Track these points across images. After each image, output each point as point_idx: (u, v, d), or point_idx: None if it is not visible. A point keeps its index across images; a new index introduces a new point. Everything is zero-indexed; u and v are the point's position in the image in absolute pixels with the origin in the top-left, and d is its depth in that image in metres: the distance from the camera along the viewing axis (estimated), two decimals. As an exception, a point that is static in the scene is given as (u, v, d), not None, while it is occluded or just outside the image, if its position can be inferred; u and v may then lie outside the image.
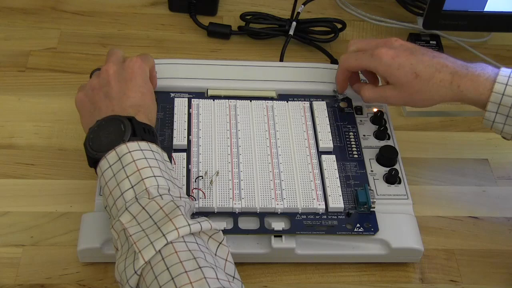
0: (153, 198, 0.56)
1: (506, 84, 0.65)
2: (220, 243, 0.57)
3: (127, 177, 0.57)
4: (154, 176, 0.57)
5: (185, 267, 0.51)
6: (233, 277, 0.56)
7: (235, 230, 0.65)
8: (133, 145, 0.59)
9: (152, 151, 0.60)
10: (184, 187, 0.67)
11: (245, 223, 0.66)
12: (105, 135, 0.60)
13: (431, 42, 0.95)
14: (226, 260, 0.56)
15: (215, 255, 0.56)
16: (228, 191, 0.67)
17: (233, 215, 0.66)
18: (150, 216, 0.55)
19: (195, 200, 0.66)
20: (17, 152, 0.76)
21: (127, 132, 0.60)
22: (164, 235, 0.53)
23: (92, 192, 0.68)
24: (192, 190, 0.67)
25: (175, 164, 0.69)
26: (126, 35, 0.93)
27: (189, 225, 0.54)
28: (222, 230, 0.58)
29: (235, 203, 0.66)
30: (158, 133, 0.71)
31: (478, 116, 0.85)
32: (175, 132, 0.72)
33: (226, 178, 0.68)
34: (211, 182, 0.67)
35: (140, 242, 0.53)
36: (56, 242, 0.68)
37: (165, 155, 0.62)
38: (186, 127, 0.72)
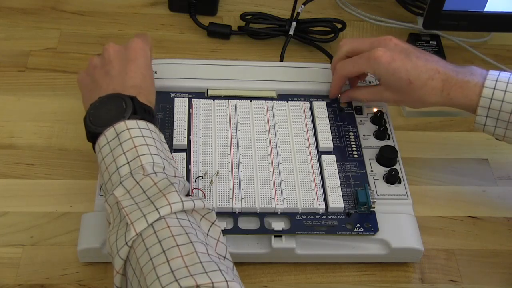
0: (148, 175, 0.56)
1: (494, 88, 0.67)
2: (213, 223, 0.57)
3: (124, 153, 0.57)
4: (150, 154, 0.58)
5: (176, 241, 0.51)
6: (224, 258, 0.56)
7: (235, 230, 0.65)
8: (131, 123, 0.59)
9: (150, 130, 0.60)
10: (184, 187, 0.67)
11: (245, 223, 0.66)
12: (106, 111, 0.61)
13: (431, 42, 0.95)
14: (218, 240, 0.57)
15: (207, 235, 0.56)
16: (228, 191, 0.67)
17: (233, 215, 0.66)
18: (144, 191, 0.55)
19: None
20: (17, 152, 0.76)
21: (128, 110, 0.60)
22: (157, 209, 0.53)
23: (92, 192, 0.68)
24: (192, 190, 0.67)
25: (175, 164, 0.69)
26: (126, 35, 0.93)
27: (182, 201, 0.54)
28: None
29: (235, 203, 0.66)
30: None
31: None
32: (175, 132, 0.72)
33: (226, 178, 0.68)
34: (211, 182, 0.67)
35: (132, 215, 0.54)
36: (56, 242, 0.68)
37: (162, 137, 0.62)
38: (186, 127, 0.72)
